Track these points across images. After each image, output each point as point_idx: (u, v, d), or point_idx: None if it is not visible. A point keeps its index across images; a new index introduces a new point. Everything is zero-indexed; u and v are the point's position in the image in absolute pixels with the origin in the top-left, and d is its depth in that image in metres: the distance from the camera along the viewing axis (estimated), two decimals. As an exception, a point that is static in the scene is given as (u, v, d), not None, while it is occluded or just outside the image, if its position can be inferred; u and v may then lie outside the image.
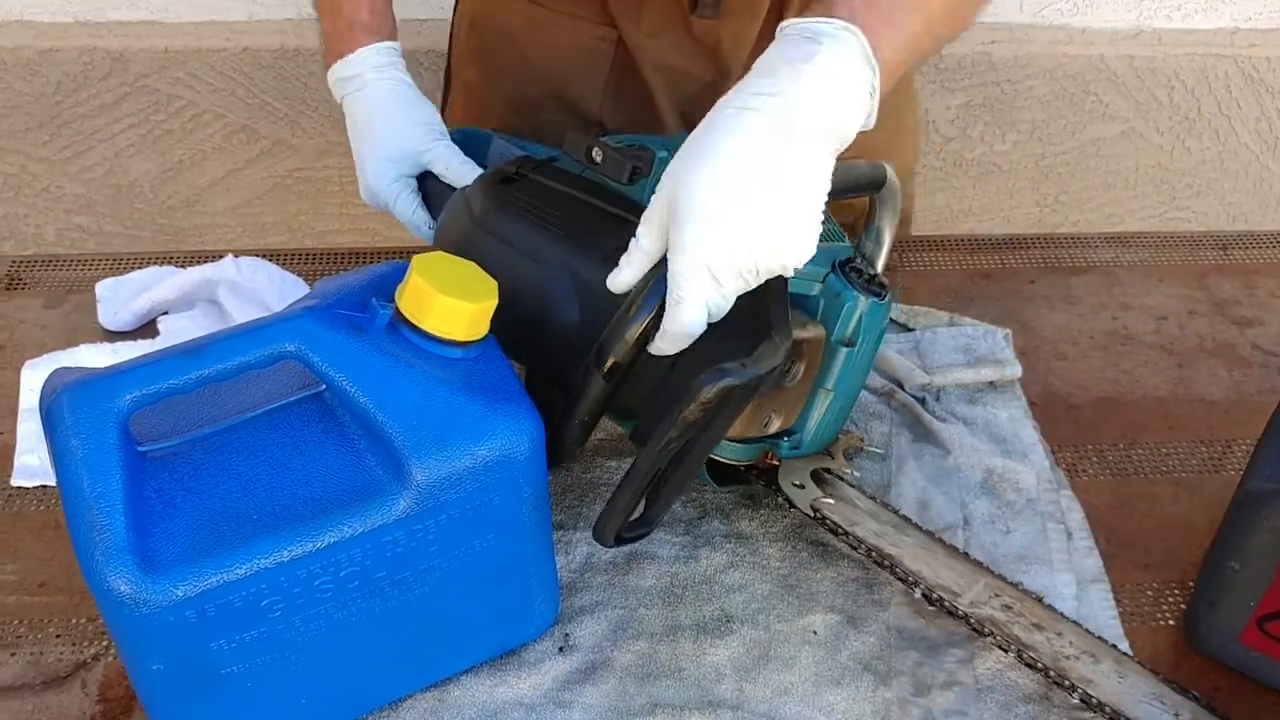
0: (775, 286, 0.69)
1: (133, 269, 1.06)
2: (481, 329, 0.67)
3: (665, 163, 0.78)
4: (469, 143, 0.92)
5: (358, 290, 0.68)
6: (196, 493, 0.62)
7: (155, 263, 1.07)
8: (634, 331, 0.68)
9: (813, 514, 0.80)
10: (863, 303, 0.75)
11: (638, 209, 0.78)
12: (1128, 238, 1.19)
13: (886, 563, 0.77)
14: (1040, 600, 0.75)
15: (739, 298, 0.69)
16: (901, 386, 0.97)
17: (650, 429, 0.69)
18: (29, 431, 0.91)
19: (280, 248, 1.19)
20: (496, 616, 0.74)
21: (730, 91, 0.66)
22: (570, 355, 0.73)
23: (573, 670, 0.76)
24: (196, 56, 1.69)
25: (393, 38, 0.93)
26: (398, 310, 0.65)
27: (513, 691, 0.75)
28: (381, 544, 0.64)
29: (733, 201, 0.64)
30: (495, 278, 0.69)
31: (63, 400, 0.60)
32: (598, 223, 0.78)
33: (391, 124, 0.91)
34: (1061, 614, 0.74)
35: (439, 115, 0.93)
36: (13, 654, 0.77)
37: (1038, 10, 1.76)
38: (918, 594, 0.76)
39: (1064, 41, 1.79)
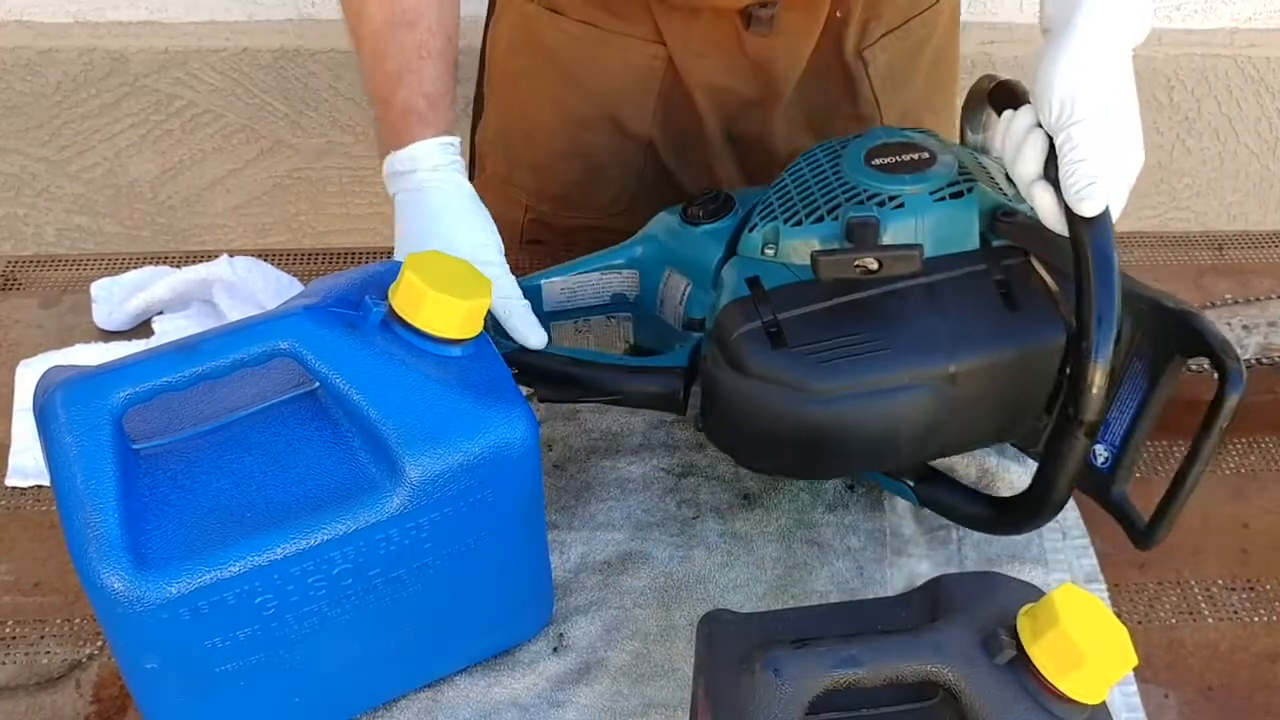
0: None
1: (130, 269, 1.06)
2: (475, 327, 0.67)
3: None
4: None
5: (351, 288, 0.67)
6: (190, 490, 0.62)
7: (155, 263, 1.07)
8: (1102, 380, 0.70)
9: None
10: None
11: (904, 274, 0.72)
12: (1123, 237, 1.18)
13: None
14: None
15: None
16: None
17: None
18: (24, 431, 0.91)
19: (280, 248, 1.19)
20: (491, 616, 0.74)
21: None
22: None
23: (567, 670, 0.76)
24: (196, 56, 1.70)
25: (450, 131, 0.84)
26: (391, 308, 0.65)
27: (507, 692, 0.75)
28: (375, 542, 0.63)
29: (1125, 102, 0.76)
30: (845, 442, 0.72)
31: (56, 398, 0.60)
32: (906, 312, 0.72)
33: (447, 236, 0.81)
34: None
35: (495, 229, 0.84)
36: (7, 654, 0.77)
37: (1038, 10, 1.76)
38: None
39: (1063, 42, 1.78)
